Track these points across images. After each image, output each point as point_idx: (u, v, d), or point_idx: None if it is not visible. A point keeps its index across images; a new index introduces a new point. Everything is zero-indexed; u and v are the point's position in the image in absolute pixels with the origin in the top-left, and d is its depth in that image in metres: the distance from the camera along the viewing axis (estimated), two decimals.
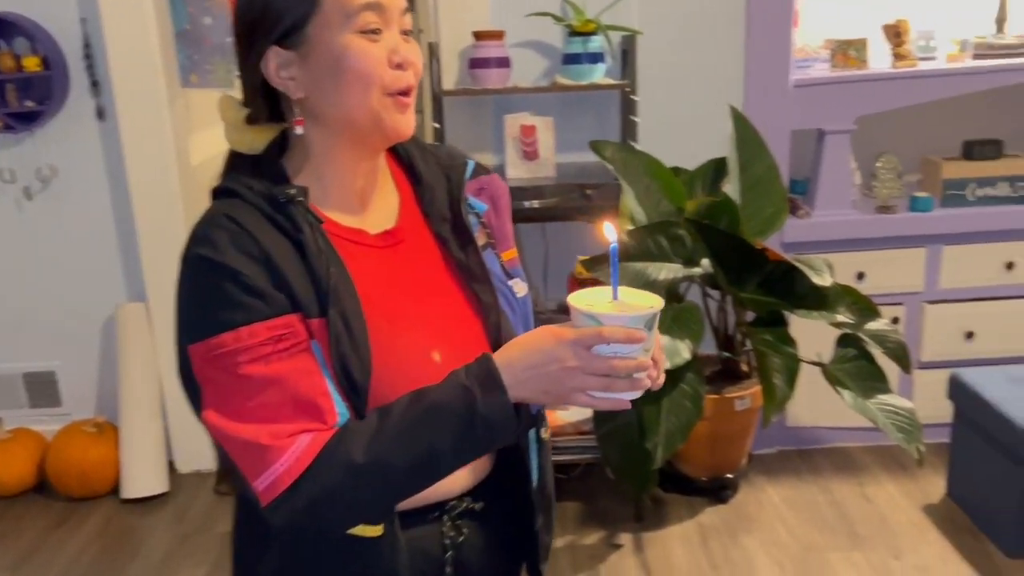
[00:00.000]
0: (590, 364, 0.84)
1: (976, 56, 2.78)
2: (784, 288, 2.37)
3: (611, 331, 0.83)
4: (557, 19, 2.63)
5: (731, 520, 2.63)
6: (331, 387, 0.88)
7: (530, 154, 2.62)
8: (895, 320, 2.87)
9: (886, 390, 2.31)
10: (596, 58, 2.62)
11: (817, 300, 2.34)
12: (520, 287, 1.07)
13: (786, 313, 2.50)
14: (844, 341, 2.39)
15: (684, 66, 2.80)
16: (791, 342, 2.39)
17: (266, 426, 0.85)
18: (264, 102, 0.96)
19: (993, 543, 2.44)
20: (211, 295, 0.87)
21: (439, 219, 1.03)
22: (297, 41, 0.92)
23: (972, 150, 2.92)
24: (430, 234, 1.03)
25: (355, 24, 0.90)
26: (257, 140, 0.97)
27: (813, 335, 2.59)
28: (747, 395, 2.62)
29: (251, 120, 0.96)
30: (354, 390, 0.89)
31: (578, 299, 0.87)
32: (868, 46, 2.79)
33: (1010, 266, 2.86)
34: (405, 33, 0.95)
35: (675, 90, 2.81)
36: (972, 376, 2.59)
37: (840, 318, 2.36)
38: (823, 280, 2.31)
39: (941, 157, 2.96)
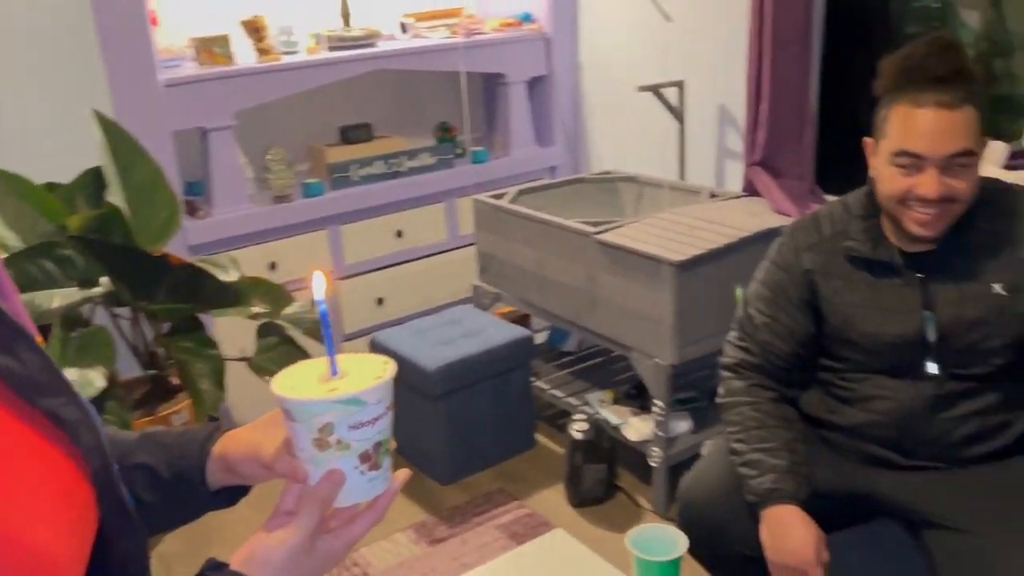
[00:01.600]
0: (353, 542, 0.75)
1: (331, 48, 3.03)
2: (193, 291, 2.31)
3: (362, 527, 0.75)
4: None
5: (194, 543, 2.52)
6: None
7: None
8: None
9: None
10: None
11: (229, 297, 2.33)
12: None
13: (202, 316, 2.44)
14: (264, 331, 2.43)
15: (35, 74, 2.52)
16: (212, 344, 2.35)
17: None
18: None
19: (430, 477, 2.75)
20: None
21: None
22: None
23: (348, 134, 3.19)
24: None
25: None
26: None
27: (237, 332, 2.59)
28: (182, 408, 2.51)
29: None
30: None
31: (295, 387, 0.69)
32: (231, 42, 2.83)
33: (400, 234, 3.21)
34: None
35: (30, 100, 2.52)
36: (387, 337, 2.85)
37: (256, 309, 2.39)
38: (230, 276, 2.31)
39: (324, 144, 3.18)
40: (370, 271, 3.17)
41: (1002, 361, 1.49)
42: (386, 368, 0.72)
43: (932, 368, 1.52)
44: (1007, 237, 1.48)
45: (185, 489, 0.84)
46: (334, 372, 0.71)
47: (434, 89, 3.50)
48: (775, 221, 2.43)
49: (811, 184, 2.65)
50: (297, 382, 0.70)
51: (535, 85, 3.51)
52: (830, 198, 2.62)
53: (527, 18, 3.45)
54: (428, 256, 3.30)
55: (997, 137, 2.44)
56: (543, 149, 3.56)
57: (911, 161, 1.43)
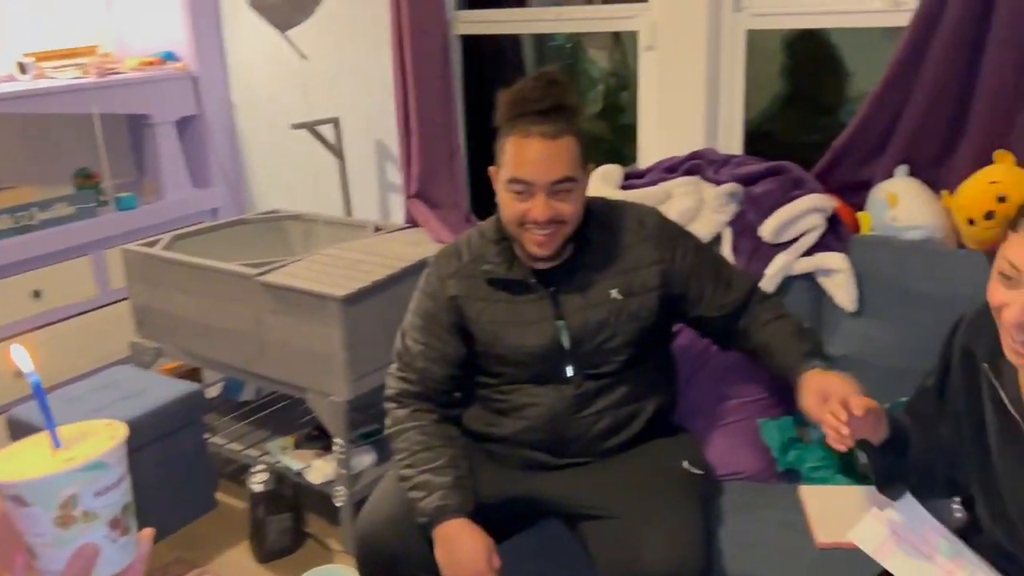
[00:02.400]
0: None
1: None
2: None
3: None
4: None
5: None
6: None
7: None
8: None
9: None
10: None
11: None
12: None
13: None
14: None
15: None
16: None
17: None
18: None
19: None
20: None
21: None
22: None
23: None
24: None
25: None
26: None
27: None
28: None
29: None
30: None
31: (20, 470, 0.62)
32: None
33: (37, 294, 2.88)
34: None
35: None
36: (29, 411, 2.53)
37: None
38: None
39: None
40: (3, 339, 2.79)
41: (625, 357, 1.66)
42: (115, 427, 0.68)
43: (569, 371, 1.65)
44: (617, 248, 1.67)
45: None
46: (57, 444, 0.66)
47: (70, 133, 3.19)
48: (434, 250, 2.52)
49: (466, 213, 2.79)
50: (17, 465, 0.64)
51: (186, 126, 3.34)
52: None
53: (170, 57, 3.28)
54: (75, 316, 2.99)
55: (620, 161, 2.73)
56: (201, 191, 3.39)
57: (523, 187, 1.55)
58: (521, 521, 1.75)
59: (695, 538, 1.54)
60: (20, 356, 0.70)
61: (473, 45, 2.92)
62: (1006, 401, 1.21)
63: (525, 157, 1.53)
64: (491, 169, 1.65)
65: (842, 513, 1.64)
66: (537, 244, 1.58)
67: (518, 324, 1.66)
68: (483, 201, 2.88)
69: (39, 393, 0.68)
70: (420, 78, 2.65)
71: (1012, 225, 1.14)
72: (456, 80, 2.83)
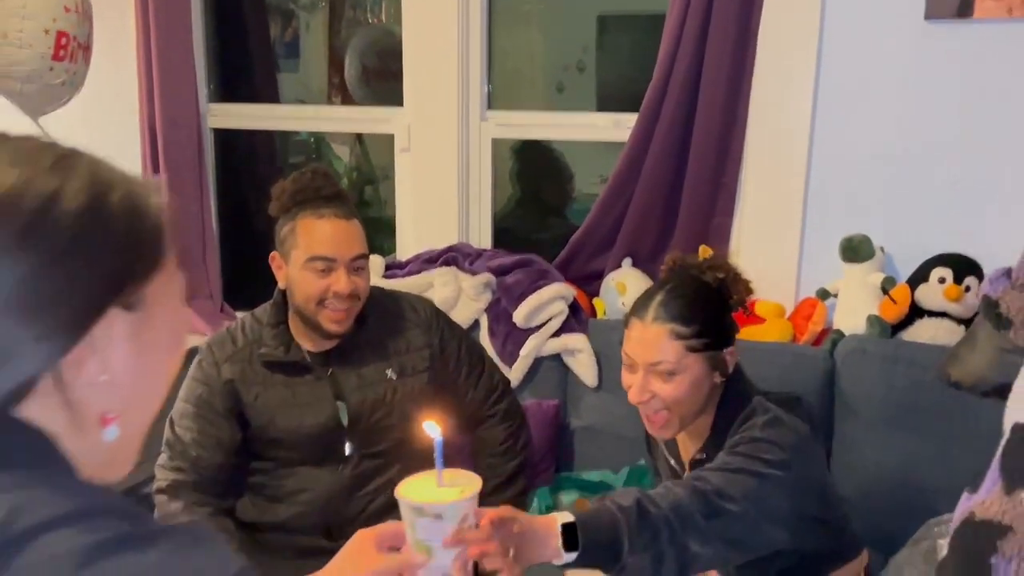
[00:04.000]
0: None
1: None
2: None
3: None
4: None
5: None
6: None
7: None
8: None
9: None
10: None
11: None
12: None
13: None
14: None
15: None
16: None
17: None
18: None
19: None
20: None
21: None
22: None
23: None
24: None
25: None
26: None
27: None
28: None
29: None
30: None
31: (434, 495, 0.95)
32: None
33: None
34: None
35: None
36: None
37: None
38: None
39: None
40: None
41: (400, 436, 1.76)
42: (467, 473, 1.01)
43: (348, 449, 1.72)
44: (393, 331, 1.79)
45: None
46: (440, 482, 0.97)
47: None
48: (190, 342, 2.45)
49: (220, 303, 2.76)
50: (426, 492, 0.95)
51: None
52: (240, 314, 2.75)
53: None
54: None
55: (374, 252, 2.85)
56: None
57: (324, 264, 1.65)
58: None
59: None
60: (432, 429, 1.01)
61: (224, 136, 2.94)
62: (667, 455, 1.55)
63: (324, 235, 1.63)
64: (274, 255, 1.71)
65: None
66: (335, 320, 1.66)
67: (295, 406, 1.70)
68: (236, 291, 2.85)
69: (439, 449, 0.98)
70: (172, 169, 2.62)
71: (625, 322, 1.38)
72: (209, 172, 2.82)
